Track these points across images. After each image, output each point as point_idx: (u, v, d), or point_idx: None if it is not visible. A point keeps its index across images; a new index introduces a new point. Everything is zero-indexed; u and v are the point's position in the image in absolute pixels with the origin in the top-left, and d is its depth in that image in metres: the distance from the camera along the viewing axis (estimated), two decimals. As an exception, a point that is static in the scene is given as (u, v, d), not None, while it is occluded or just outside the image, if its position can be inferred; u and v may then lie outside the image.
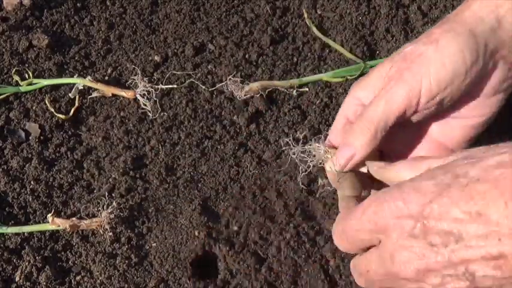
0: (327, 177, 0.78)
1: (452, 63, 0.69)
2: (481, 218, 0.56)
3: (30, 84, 0.95)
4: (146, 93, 0.92)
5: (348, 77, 0.95)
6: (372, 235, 0.63)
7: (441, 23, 0.73)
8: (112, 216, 0.81)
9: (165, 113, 0.93)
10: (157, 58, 0.99)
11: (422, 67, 0.70)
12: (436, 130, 0.77)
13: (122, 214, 0.83)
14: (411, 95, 0.70)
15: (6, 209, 0.84)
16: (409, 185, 0.61)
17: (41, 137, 0.91)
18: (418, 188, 0.60)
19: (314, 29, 1.00)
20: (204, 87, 0.95)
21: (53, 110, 0.93)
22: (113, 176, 0.87)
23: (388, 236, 0.61)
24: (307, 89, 0.95)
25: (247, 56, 0.99)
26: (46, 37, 0.99)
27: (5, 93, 0.94)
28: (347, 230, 0.65)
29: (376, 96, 0.71)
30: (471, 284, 0.57)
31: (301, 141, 0.78)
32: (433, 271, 0.59)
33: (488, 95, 0.73)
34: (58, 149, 0.90)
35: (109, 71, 0.98)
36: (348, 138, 0.72)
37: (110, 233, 0.81)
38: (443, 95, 0.70)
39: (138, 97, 0.92)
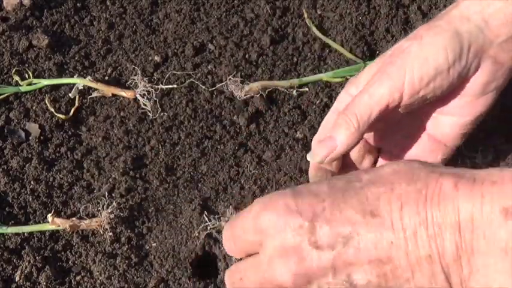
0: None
1: (434, 60, 0.69)
2: (375, 220, 0.54)
3: (30, 84, 0.95)
4: (146, 93, 0.92)
5: (348, 77, 0.95)
6: (256, 236, 0.58)
7: (430, 21, 0.74)
8: (112, 216, 0.81)
9: (165, 113, 0.93)
10: (157, 58, 0.99)
11: (405, 62, 0.69)
12: (431, 127, 0.77)
13: (122, 214, 0.83)
14: (394, 89, 0.69)
15: (6, 209, 0.85)
16: (304, 187, 0.59)
17: (41, 137, 0.91)
18: (312, 190, 0.58)
19: (314, 29, 1.00)
20: (204, 87, 0.95)
21: (53, 110, 0.93)
22: (113, 176, 0.87)
23: (271, 236, 0.56)
24: (307, 89, 0.95)
25: (247, 56, 0.99)
26: (46, 37, 0.99)
27: (5, 93, 0.94)
28: (233, 229, 0.61)
29: (360, 91, 0.71)
30: None
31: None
32: (312, 277, 0.55)
33: (477, 95, 0.72)
34: (58, 149, 0.90)
35: (109, 71, 0.98)
36: (331, 131, 0.70)
37: (110, 233, 0.81)
38: (426, 91, 0.70)
39: (138, 97, 0.92)
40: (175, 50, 1.00)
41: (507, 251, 0.51)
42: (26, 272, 0.79)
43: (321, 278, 0.55)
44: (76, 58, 0.99)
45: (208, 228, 0.82)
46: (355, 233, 0.54)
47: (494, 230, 0.51)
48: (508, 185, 0.52)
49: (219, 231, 0.82)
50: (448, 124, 0.75)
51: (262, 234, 0.58)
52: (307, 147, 0.88)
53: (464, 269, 0.53)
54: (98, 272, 0.79)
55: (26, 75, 0.96)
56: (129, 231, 0.82)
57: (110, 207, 0.81)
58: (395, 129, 0.77)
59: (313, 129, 0.90)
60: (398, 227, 0.53)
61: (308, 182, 0.84)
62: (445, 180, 0.54)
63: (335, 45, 0.99)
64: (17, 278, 0.78)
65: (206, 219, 0.82)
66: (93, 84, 0.94)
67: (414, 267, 0.53)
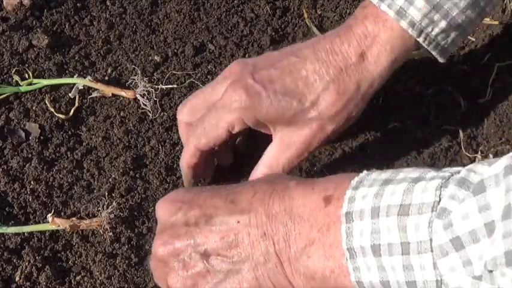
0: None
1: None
2: (232, 205, 0.66)
3: (30, 84, 0.95)
4: (146, 93, 0.92)
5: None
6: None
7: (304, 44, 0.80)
8: (112, 216, 0.81)
9: (165, 113, 0.93)
10: (157, 58, 0.99)
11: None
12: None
13: (121, 214, 0.83)
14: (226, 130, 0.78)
15: (6, 209, 0.84)
16: (194, 188, 0.75)
17: (41, 137, 0.91)
18: (198, 188, 0.75)
19: (314, 29, 1.00)
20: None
21: (53, 110, 0.93)
22: (113, 176, 0.87)
23: (159, 220, 0.71)
24: (307, 89, 0.95)
25: (247, 56, 0.99)
26: (46, 37, 0.99)
27: (5, 93, 0.94)
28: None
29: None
30: (207, 267, 0.65)
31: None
32: (180, 249, 0.67)
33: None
34: (58, 149, 0.90)
35: (109, 71, 0.98)
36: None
37: (110, 233, 0.81)
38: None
39: (138, 97, 0.92)
40: (175, 50, 1.00)
41: (323, 232, 0.61)
42: (26, 272, 0.79)
43: (185, 250, 0.66)
44: (76, 58, 0.99)
45: None
46: (215, 214, 0.66)
47: (316, 214, 0.62)
48: (333, 181, 0.64)
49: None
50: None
51: (158, 219, 0.72)
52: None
53: (292, 248, 0.63)
54: (98, 272, 0.79)
55: (26, 75, 0.96)
56: (129, 231, 0.82)
57: (110, 207, 0.81)
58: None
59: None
60: (247, 210, 0.65)
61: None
62: (292, 181, 0.67)
63: (335, 45, 0.99)
64: (17, 278, 0.78)
65: None
66: (93, 84, 0.94)
67: (253, 243, 0.64)
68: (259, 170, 0.79)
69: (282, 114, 0.75)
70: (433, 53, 0.78)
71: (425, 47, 0.76)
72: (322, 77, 0.75)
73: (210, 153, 0.80)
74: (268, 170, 0.78)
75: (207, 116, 0.77)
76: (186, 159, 0.80)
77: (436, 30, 0.75)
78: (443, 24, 0.74)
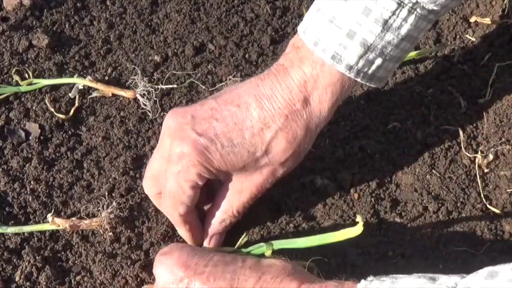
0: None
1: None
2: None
3: (30, 84, 0.95)
4: (146, 93, 0.92)
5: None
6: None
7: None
8: (112, 216, 0.81)
9: (165, 113, 0.92)
10: (157, 58, 0.99)
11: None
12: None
13: (121, 214, 0.83)
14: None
15: (6, 209, 0.84)
16: (196, 249, 0.73)
17: (41, 137, 0.91)
18: (203, 254, 0.71)
19: (314, 29, 1.00)
20: (204, 87, 0.95)
21: (53, 110, 0.93)
22: (113, 176, 0.87)
23: (159, 279, 0.71)
24: (307, 89, 0.95)
25: (247, 56, 0.99)
26: (46, 37, 0.99)
27: (5, 93, 0.94)
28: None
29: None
30: None
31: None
32: None
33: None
34: (58, 149, 0.90)
35: (109, 71, 0.98)
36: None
37: (110, 233, 0.81)
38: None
39: (138, 97, 0.92)
40: (175, 50, 1.00)
41: None
42: (26, 272, 0.79)
43: None
44: (76, 58, 0.99)
45: None
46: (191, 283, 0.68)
47: None
48: None
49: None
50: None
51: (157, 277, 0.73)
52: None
53: None
54: (98, 272, 0.79)
55: (26, 75, 0.96)
56: (129, 231, 0.82)
57: (110, 207, 0.81)
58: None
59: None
60: None
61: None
62: (295, 280, 0.67)
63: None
64: (17, 278, 0.78)
65: None
66: (93, 84, 0.94)
67: None
68: (217, 219, 0.79)
69: (233, 166, 0.75)
70: (370, 84, 0.77)
71: (363, 82, 0.76)
72: (269, 126, 0.74)
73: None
74: (225, 215, 0.78)
75: (168, 184, 0.76)
76: (182, 229, 0.79)
77: (373, 67, 0.75)
78: (379, 61, 0.74)
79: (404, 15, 0.71)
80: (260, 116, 0.74)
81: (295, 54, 0.76)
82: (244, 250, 0.76)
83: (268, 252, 0.73)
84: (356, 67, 0.73)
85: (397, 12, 0.71)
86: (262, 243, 0.74)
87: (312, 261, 0.73)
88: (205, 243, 0.80)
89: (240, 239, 0.76)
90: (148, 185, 0.81)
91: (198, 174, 0.75)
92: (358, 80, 0.75)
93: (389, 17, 0.71)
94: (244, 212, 0.79)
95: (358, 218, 0.67)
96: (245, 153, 0.74)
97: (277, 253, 0.74)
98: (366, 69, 0.74)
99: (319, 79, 0.74)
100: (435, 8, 0.72)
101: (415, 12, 0.72)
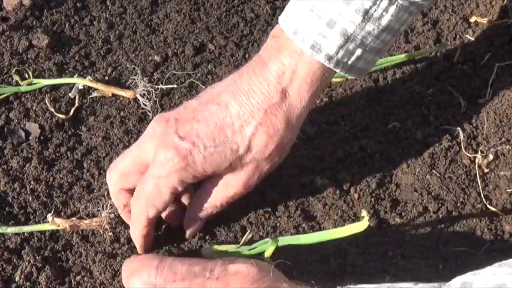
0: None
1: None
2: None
3: (30, 84, 0.95)
4: (146, 93, 0.92)
5: (348, 77, 0.95)
6: None
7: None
8: (112, 216, 0.81)
9: (165, 113, 0.93)
10: (157, 58, 0.99)
11: None
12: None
13: (122, 214, 0.83)
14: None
15: (6, 209, 0.84)
16: (168, 259, 0.71)
17: (41, 137, 0.91)
18: (173, 266, 0.70)
19: (314, 29, 1.00)
20: (204, 87, 0.95)
21: (53, 110, 0.93)
22: (113, 176, 0.87)
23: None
24: (307, 89, 0.95)
25: (247, 56, 0.99)
26: (46, 37, 0.99)
27: (5, 93, 0.94)
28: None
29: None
30: None
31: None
32: None
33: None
34: (58, 149, 0.90)
35: (109, 71, 0.98)
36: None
37: (110, 233, 0.81)
38: None
39: (138, 97, 0.92)
40: (175, 50, 1.00)
41: None
42: (26, 272, 0.79)
43: None
44: (76, 58, 0.99)
45: None
46: None
47: None
48: None
49: (218, 232, 0.82)
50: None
51: None
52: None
53: None
54: (98, 272, 0.79)
55: (26, 75, 0.96)
56: (129, 231, 0.82)
57: (110, 207, 0.81)
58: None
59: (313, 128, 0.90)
60: None
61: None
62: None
63: (335, 45, 0.99)
64: (17, 278, 0.78)
65: None
66: (93, 84, 0.94)
67: None
68: (199, 207, 0.78)
69: (218, 166, 0.75)
70: (350, 75, 0.77)
71: (343, 74, 0.76)
72: (248, 122, 0.74)
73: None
74: (207, 205, 0.78)
75: (146, 185, 0.75)
76: (140, 232, 0.77)
77: (353, 58, 0.74)
78: (359, 52, 0.74)
79: (385, 5, 0.71)
80: (239, 113, 0.74)
81: (274, 44, 0.76)
82: (248, 247, 0.75)
83: (269, 252, 0.73)
84: (336, 57, 0.73)
85: (378, 2, 0.71)
86: (267, 239, 0.74)
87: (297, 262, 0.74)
88: (185, 228, 0.80)
89: (245, 236, 0.75)
90: (114, 179, 0.79)
91: (180, 181, 0.74)
92: (338, 70, 0.75)
93: (370, 7, 0.71)
94: (228, 205, 0.79)
95: (364, 213, 0.67)
96: (228, 151, 0.74)
97: (282, 249, 0.74)
98: (346, 59, 0.74)
99: (298, 69, 0.74)
100: None
101: (396, 2, 0.71)
